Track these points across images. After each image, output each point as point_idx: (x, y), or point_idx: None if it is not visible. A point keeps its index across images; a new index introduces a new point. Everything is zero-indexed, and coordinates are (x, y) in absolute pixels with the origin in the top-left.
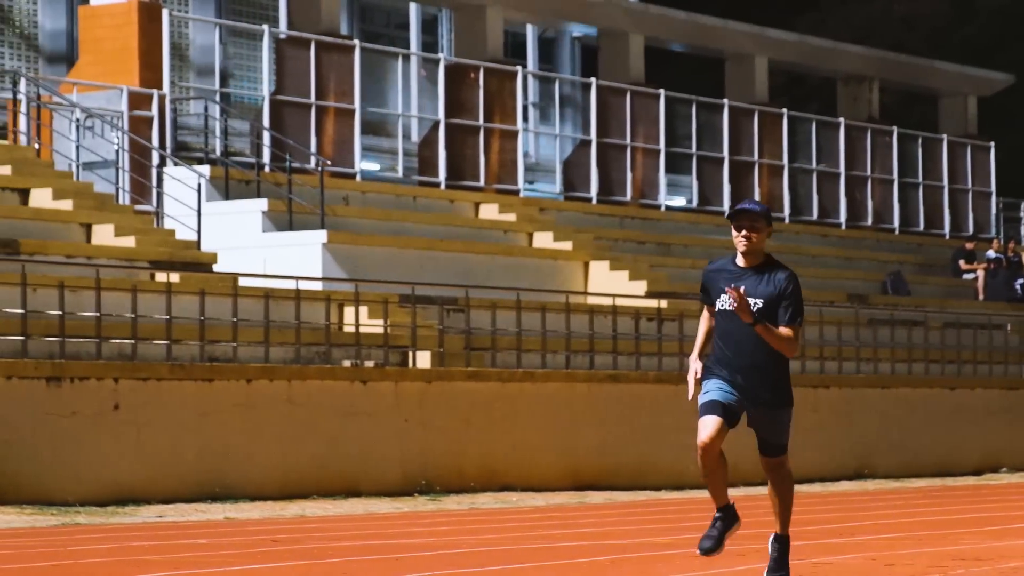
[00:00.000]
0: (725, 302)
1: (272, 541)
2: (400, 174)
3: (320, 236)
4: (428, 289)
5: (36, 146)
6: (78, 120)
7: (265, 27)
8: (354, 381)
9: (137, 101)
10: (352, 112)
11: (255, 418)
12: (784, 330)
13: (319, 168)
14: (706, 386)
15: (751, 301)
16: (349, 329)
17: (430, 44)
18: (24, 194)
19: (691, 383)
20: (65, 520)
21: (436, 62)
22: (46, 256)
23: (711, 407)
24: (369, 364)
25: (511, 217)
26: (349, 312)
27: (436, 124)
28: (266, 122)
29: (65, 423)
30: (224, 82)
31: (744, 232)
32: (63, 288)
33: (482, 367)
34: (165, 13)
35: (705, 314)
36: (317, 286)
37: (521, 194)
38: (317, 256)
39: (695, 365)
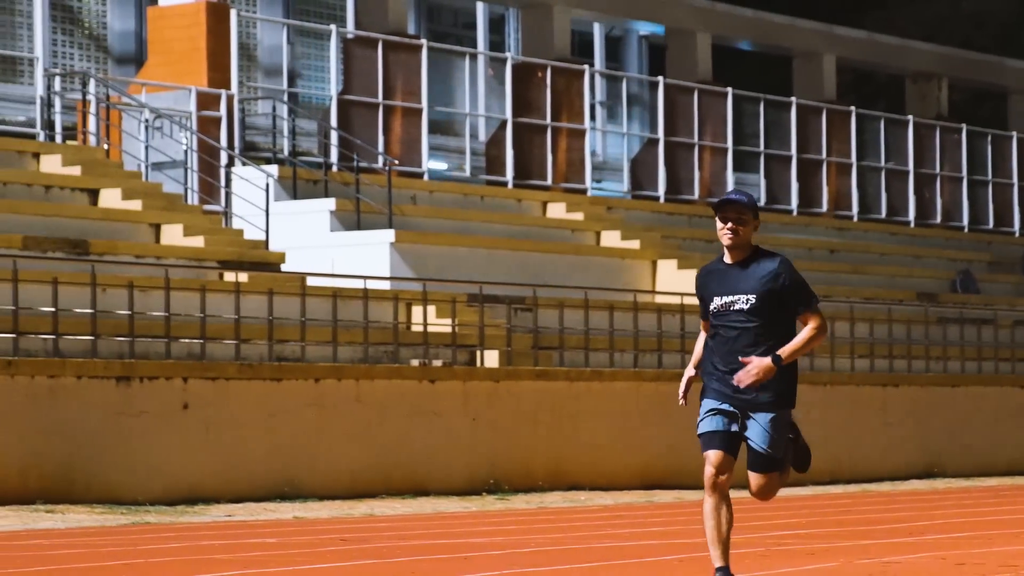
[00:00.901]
0: (718, 304)
1: (341, 540)
2: (468, 173)
3: (388, 235)
4: (496, 288)
5: (105, 147)
6: (147, 121)
7: (333, 27)
8: (422, 380)
9: (205, 101)
10: (419, 111)
11: (323, 418)
12: (805, 330)
13: (387, 167)
14: (702, 408)
15: (742, 299)
16: (417, 328)
17: (497, 43)
18: (94, 195)
19: (681, 386)
20: (135, 519)
21: (503, 61)
22: (115, 256)
23: (711, 440)
24: (437, 363)
25: (579, 216)
26: (417, 311)
27: (503, 123)
28: (334, 122)
29: (134, 423)
30: (292, 82)
31: (730, 224)
32: (132, 288)
33: (550, 366)
34: (233, 13)
35: (703, 334)
36: (385, 285)
37: (588, 193)
38: (385, 255)
39: (686, 376)
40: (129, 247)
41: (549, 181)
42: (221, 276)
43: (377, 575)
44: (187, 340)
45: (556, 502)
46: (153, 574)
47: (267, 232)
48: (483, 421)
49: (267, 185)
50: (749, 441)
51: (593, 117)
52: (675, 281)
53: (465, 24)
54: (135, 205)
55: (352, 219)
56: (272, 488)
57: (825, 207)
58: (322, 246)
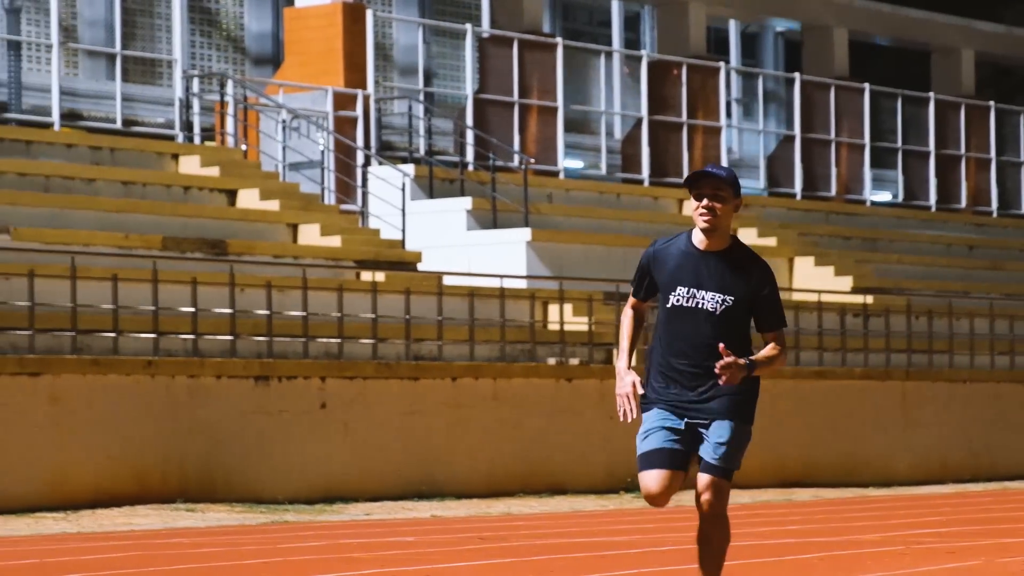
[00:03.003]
0: (682, 296)
1: (479, 539)
2: (603, 171)
3: (524, 234)
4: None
5: (243, 147)
6: (284, 121)
7: (468, 26)
8: (559, 379)
9: (342, 101)
10: (555, 110)
11: (461, 416)
12: (773, 348)
13: (522, 166)
14: (646, 421)
15: (716, 298)
16: (554, 327)
17: (632, 41)
18: (232, 195)
19: (628, 402)
20: (274, 518)
21: (639, 59)
22: (253, 256)
23: (654, 458)
24: (574, 362)
25: None
26: (553, 310)
27: (639, 121)
28: (469, 121)
29: (273, 422)
30: (428, 81)
31: (706, 203)
32: (270, 288)
33: None
34: (369, 14)
35: (629, 312)
36: (521, 284)
37: None
38: (521, 254)
39: (629, 379)
40: (267, 247)
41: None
42: (358, 276)
43: (514, 573)
44: (325, 340)
45: (692, 500)
46: (292, 572)
47: (403, 231)
48: (620, 419)
49: (403, 184)
50: (702, 451)
51: (729, 114)
52: (812, 278)
53: (600, 22)
54: (273, 205)
55: (488, 218)
56: (410, 487)
57: (964, 203)
58: (458, 245)
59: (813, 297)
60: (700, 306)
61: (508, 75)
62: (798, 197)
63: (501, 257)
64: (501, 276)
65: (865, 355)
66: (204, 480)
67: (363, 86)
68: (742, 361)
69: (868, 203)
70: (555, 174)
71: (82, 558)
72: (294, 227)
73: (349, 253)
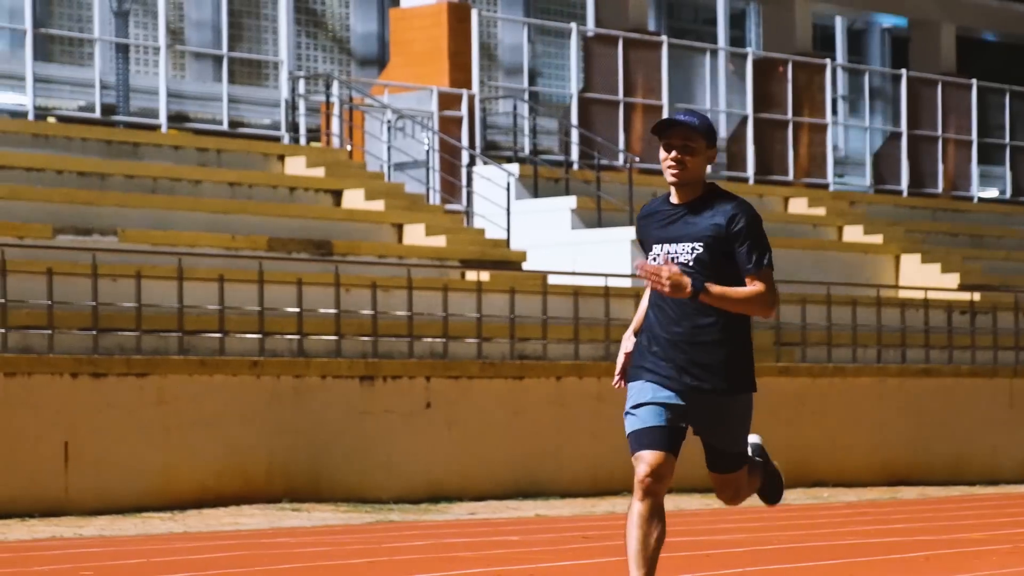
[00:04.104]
0: (658, 256)
1: (583, 538)
2: (708, 169)
3: (629, 233)
4: None
5: (348, 148)
6: (389, 121)
7: (573, 25)
8: None
9: (447, 101)
10: (660, 108)
11: (565, 415)
12: (747, 287)
13: (628, 165)
14: (632, 392)
15: (687, 248)
16: None
17: (738, 38)
18: (337, 195)
19: (618, 364)
20: (379, 517)
21: (744, 56)
22: (358, 256)
23: (645, 437)
24: None
25: (820, 211)
26: None
27: (744, 119)
28: (574, 120)
29: (378, 421)
30: (532, 81)
31: (675, 154)
32: (375, 288)
33: (792, 362)
34: (474, 13)
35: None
36: (626, 283)
37: (831, 188)
38: (626, 253)
39: (624, 346)
40: (372, 247)
41: (791, 176)
42: (463, 275)
43: (619, 573)
44: (429, 339)
45: (799, 499)
46: (396, 572)
47: (508, 231)
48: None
49: (508, 184)
50: (705, 440)
51: (835, 111)
52: (918, 275)
53: (705, 20)
54: (378, 206)
55: (593, 217)
56: (514, 486)
57: None
58: (563, 244)
59: (920, 295)
60: (674, 260)
61: (613, 73)
62: (904, 194)
63: (606, 256)
64: (606, 275)
65: (972, 353)
66: (309, 480)
67: (468, 86)
68: (683, 279)
69: (975, 200)
70: (660, 172)
71: (189, 558)
72: (399, 227)
73: (454, 253)
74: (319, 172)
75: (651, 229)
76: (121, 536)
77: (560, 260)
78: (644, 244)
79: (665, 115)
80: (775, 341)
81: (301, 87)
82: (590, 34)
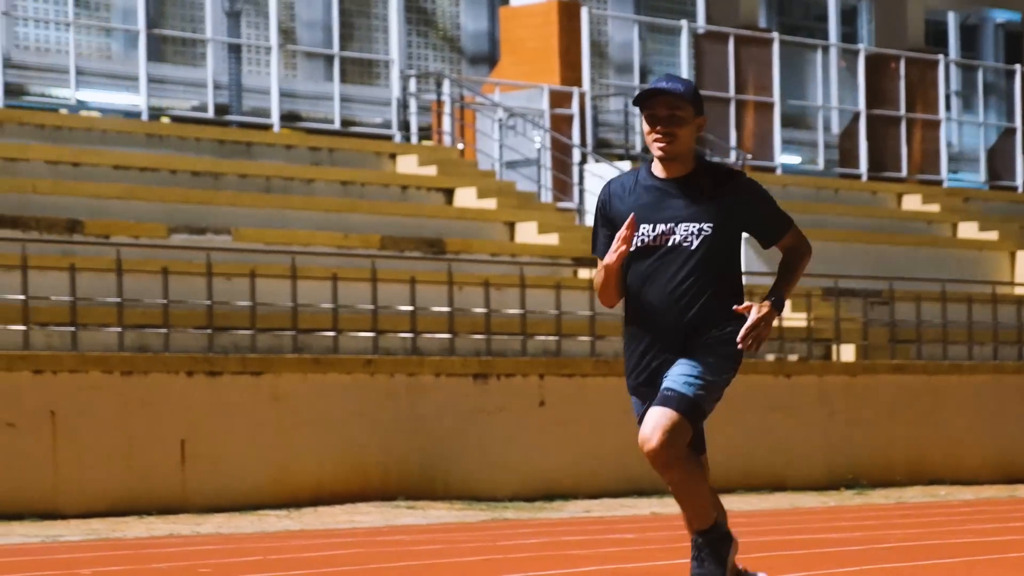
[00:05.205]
0: (647, 235)
1: None
2: (820, 167)
3: None
4: (851, 282)
5: (460, 146)
6: (500, 120)
7: (683, 22)
8: (778, 375)
9: (558, 99)
10: (771, 105)
11: None
12: (789, 257)
13: (739, 162)
14: (635, 407)
15: (692, 230)
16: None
17: (849, 35)
18: (449, 194)
19: (618, 243)
20: (494, 515)
21: (856, 53)
22: (471, 255)
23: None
24: (792, 358)
25: (934, 208)
26: None
27: (856, 115)
28: None
29: (492, 420)
30: (643, 78)
31: (661, 127)
32: (488, 286)
33: (907, 360)
34: (584, 11)
35: (600, 272)
36: None
37: (945, 184)
38: (739, 250)
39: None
40: (484, 245)
41: (904, 173)
42: (575, 273)
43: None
44: (543, 337)
45: (915, 497)
46: (511, 569)
47: None
48: (840, 415)
49: None
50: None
51: (948, 107)
52: None
53: (816, 16)
54: (489, 204)
55: None
56: (629, 484)
57: None
58: None
59: None
60: (673, 243)
61: (724, 71)
62: (1020, 190)
63: None
64: None
65: None
66: (424, 478)
67: (579, 84)
68: (766, 308)
69: None
70: (772, 170)
71: (305, 555)
72: (511, 225)
73: (566, 251)
74: (431, 171)
75: (627, 206)
76: (238, 533)
77: None
78: (611, 221)
79: (776, 112)
80: (890, 338)
81: (412, 86)
82: (701, 31)
